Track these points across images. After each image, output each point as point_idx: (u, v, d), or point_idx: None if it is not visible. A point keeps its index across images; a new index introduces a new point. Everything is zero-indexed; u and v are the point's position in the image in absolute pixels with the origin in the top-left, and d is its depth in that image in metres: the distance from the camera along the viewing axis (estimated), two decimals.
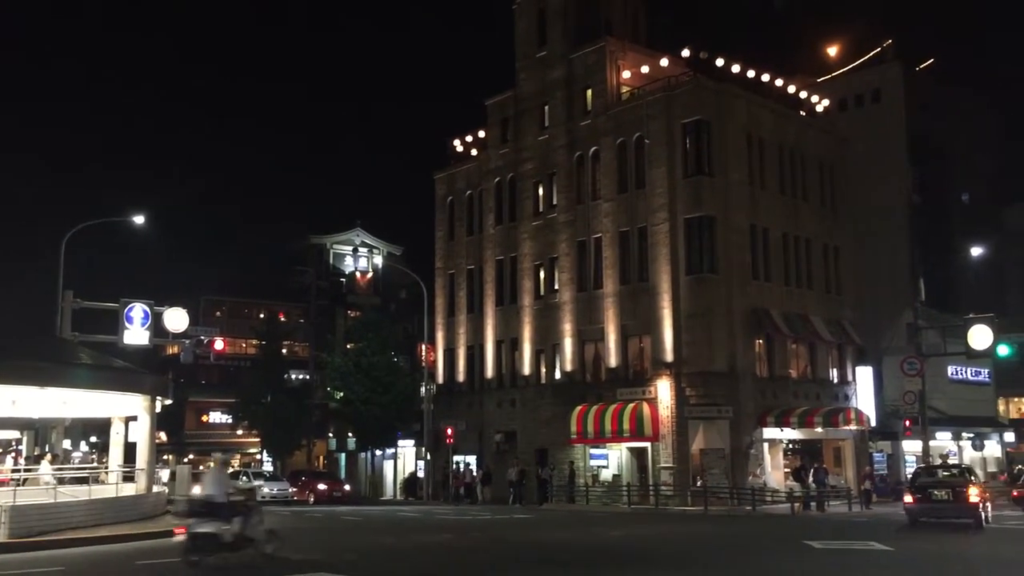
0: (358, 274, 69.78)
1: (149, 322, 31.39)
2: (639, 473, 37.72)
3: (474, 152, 48.17)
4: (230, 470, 41.55)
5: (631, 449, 38.26)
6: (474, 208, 47.35)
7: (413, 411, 48.54)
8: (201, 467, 62.00)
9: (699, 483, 34.33)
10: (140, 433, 27.04)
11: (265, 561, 14.89)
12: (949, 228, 56.92)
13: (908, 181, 56.79)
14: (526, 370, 42.86)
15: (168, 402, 28.67)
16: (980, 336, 32.37)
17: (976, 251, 47.95)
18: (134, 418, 28.00)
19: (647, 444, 36.71)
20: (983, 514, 23.09)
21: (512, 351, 43.98)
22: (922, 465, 33.42)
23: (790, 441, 38.83)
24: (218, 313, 67.80)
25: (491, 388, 44.69)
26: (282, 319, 66.11)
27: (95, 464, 39.05)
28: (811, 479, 34.08)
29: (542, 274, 43.05)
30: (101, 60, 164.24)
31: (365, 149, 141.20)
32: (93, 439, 64.07)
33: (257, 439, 59.70)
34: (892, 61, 60.47)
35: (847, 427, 37.89)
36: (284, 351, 60.70)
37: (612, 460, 39.45)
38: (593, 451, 39.31)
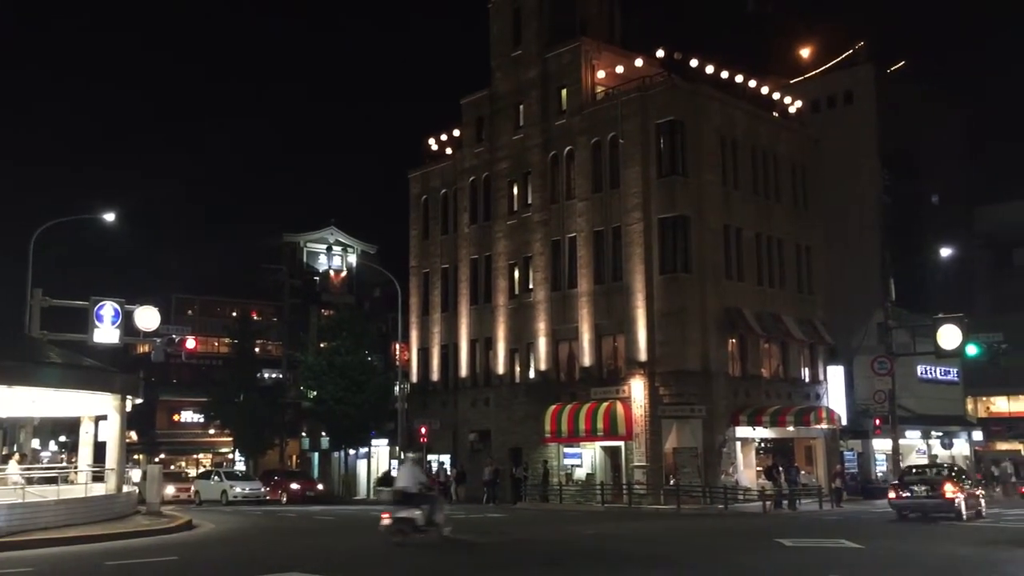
0: (332, 273, 69.50)
1: (119, 320, 31.07)
2: (613, 472, 37.85)
3: (449, 151, 48.10)
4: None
5: (605, 448, 38.39)
6: (449, 207, 47.29)
7: (387, 410, 48.41)
8: (172, 466, 61.56)
9: (672, 482, 34.50)
10: (110, 432, 26.77)
11: (443, 541, 18.04)
12: (919, 229, 57.56)
13: (879, 182, 57.41)
14: (500, 369, 42.87)
15: (138, 401, 28.40)
16: (949, 336, 32.77)
17: (945, 252, 48.53)
18: (104, 417, 27.73)
19: (621, 443, 36.83)
20: (961, 508, 24.79)
21: (486, 350, 43.98)
22: (910, 464, 34.07)
23: (762, 440, 39.12)
24: (190, 311, 67.29)
25: (465, 387, 44.67)
26: (255, 318, 65.66)
27: (64, 464, 38.67)
28: (783, 478, 34.34)
29: (516, 273, 43.07)
30: (71, 57, 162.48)
31: (339, 148, 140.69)
32: (62, 438, 63.43)
33: (229, 438, 59.28)
34: (864, 63, 61.06)
35: (818, 426, 38.21)
36: (257, 350, 60.29)
37: (586, 459, 39.55)
38: (567, 450, 39.39)
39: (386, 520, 18.04)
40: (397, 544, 17.36)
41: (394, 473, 46.79)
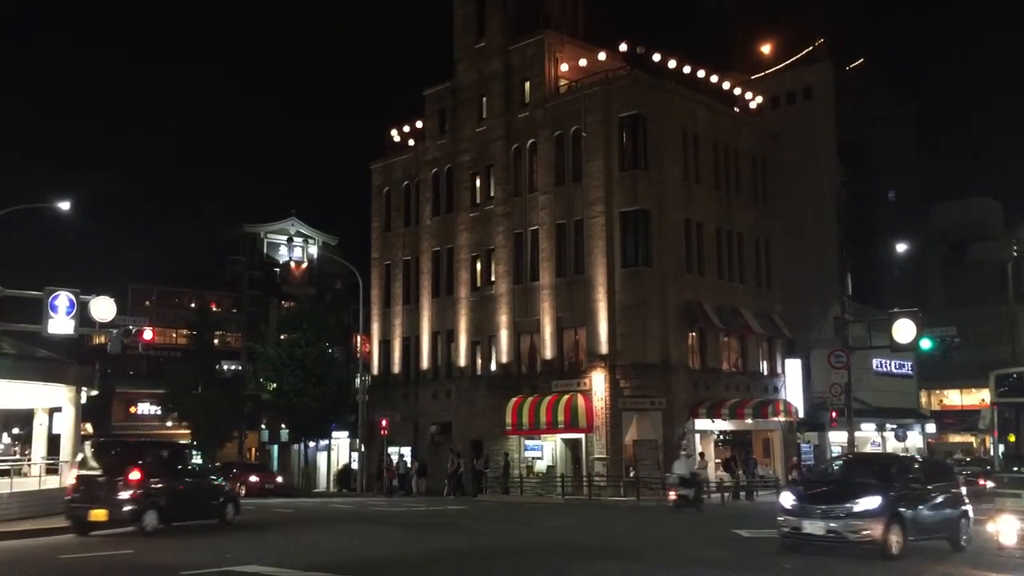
0: (293, 264, 68.96)
1: (75, 311, 30.48)
2: (573, 464, 38.01)
3: (411, 142, 47.88)
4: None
5: (565, 440, 38.53)
6: (411, 199, 47.11)
7: (348, 402, 48.16)
8: None
9: (632, 474, 34.74)
10: (64, 424, 26.38)
11: (701, 515, 25.32)
12: (876, 224, 58.48)
13: (837, 178, 58.14)
14: (462, 362, 42.84)
15: (94, 393, 28.00)
16: (904, 330, 33.19)
17: (901, 247, 49.32)
18: (58, 409, 27.31)
19: (581, 435, 37.00)
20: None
21: (448, 342, 43.92)
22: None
23: (721, 432, 39.49)
24: (147, 302, 66.38)
25: (427, 379, 44.58)
26: (214, 309, 64.86)
27: (18, 456, 38.03)
28: (741, 470, 34.72)
29: (478, 266, 43.04)
30: (21, 45, 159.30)
31: (300, 139, 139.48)
32: (16, 431, 62.24)
33: (187, 431, 58.57)
34: (823, 60, 61.83)
35: (776, 418, 38.66)
36: (216, 341, 59.58)
37: (547, 451, 39.68)
38: (528, 442, 39.49)
39: (672, 496, 27.57)
40: (677, 515, 25.21)
41: (354, 465, 47.17)
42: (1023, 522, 13.11)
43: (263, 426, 57.78)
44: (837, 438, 44.14)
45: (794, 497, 15.71)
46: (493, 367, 41.41)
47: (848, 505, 14.71)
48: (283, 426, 52.66)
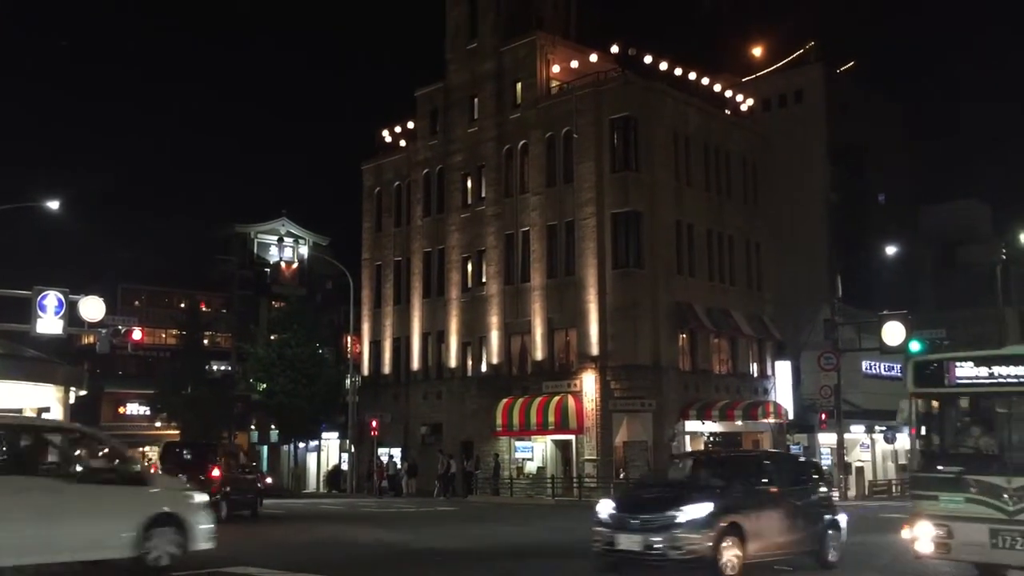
0: (283, 264, 68.82)
1: (63, 311, 30.34)
2: (563, 465, 38.04)
3: (403, 143, 47.85)
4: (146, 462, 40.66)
5: (556, 442, 38.55)
6: (402, 199, 47.08)
7: (338, 403, 48.06)
8: None
9: (622, 475, 34.77)
10: None
11: None
12: (866, 227, 58.68)
13: (827, 180, 58.37)
14: (452, 362, 42.82)
15: (82, 393, 27.85)
16: (893, 332, 33.36)
17: (891, 250, 49.46)
18: (47, 409, 27.16)
19: (572, 437, 37.03)
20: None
21: (438, 343, 43.89)
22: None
23: (711, 434, 39.57)
24: (137, 302, 66.09)
25: (417, 380, 44.54)
26: (204, 309, 64.64)
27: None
28: None
29: (469, 267, 43.03)
30: (13, 41, 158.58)
31: (291, 139, 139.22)
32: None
33: (176, 431, 58.42)
34: (814, 63, 62.01)
35: (766, 420, 38.76)
36: (205, 341, 59.41)
37: (537, 452, 39.69)
38: (518, 443, 39.49)
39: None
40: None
41: (344, 466, 47.08)
42: (941, 528, 11.30)
43: (252, 426, 57.64)
44: (827, 440, 44.23)
45: (612, 505, 12.79)
46: (484, 368, 41.40)
47: (671, 514, 11.94)
48: (273, 426, 52.53)
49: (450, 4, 45.03)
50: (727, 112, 43.13)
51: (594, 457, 35.96)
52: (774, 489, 13.45)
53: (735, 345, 41.13)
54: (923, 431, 12.26)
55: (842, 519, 14.40)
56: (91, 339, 42.81)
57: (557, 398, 36.88)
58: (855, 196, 59.69)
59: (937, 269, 65.19)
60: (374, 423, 43.36)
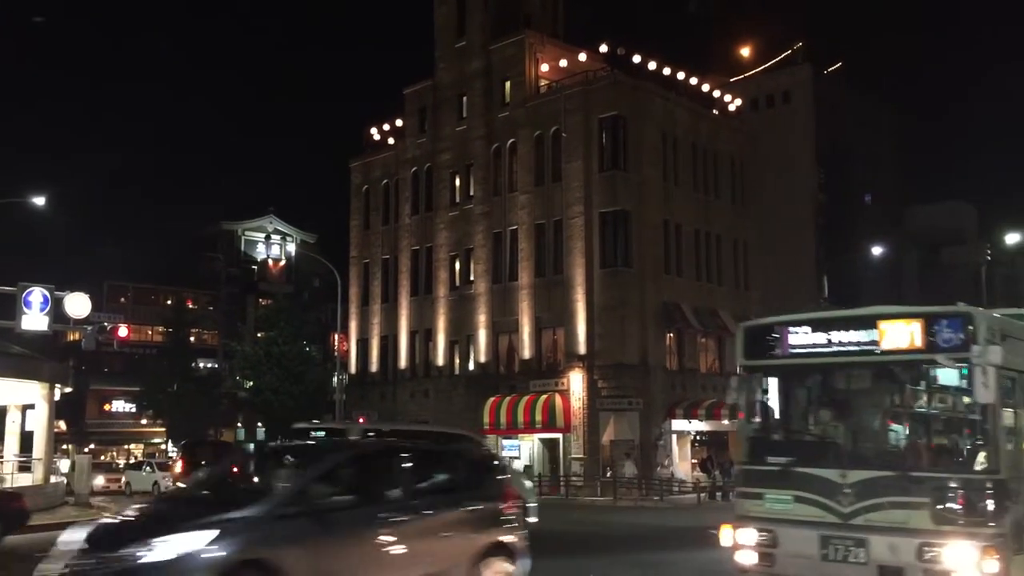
0: (270, 261, 68.63)
1: (49, 307, 30.21)
2: (550, 464, 38.09)
3: (391, 141, 47.80)
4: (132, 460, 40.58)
5: (543, 440, 38.61)
6: (390, 197, 47.03)
7: (325, 401, 47.96)
8: (103, 456, 60.27)
9: (609, 474, 34.84)
10: (38, 422, 26.17)
11: None
12: (852, 227, 58.95)
13: (814, 180, 58.60)
14: (440, 361, 42.81)
15: (68, 390, 27.82)
16: None
17: (877, 250, 49.70)
18: (32, 406, 27.08)
19: (559, 435, 37.09)
20: None
21: (426, 342, 43.88)
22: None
23: (697, 433, 39.69)
24: (123, 299, 65.83)
25: (404, 379, 44.52)
26: (190, 306, 64.52)
27: None
28: (717, 470, 34.89)
29: (457, 265, 43.02)
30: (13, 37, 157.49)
31: (279, 136, 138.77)
32: None
33: (162, 429, 58.26)
34: (802, 64, 62.24)
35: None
36: (192, 339, 59.30)
37: (524, 451, 39.70)
38: (505, 442, 39.50)
39: None
40: None
41: None
42: (764, 534, 9.08)
43: (239, 424, 57.48)
44: None
45: (85, 533, 8.31)
46: (471, 366, 41.41)
47: (135, 551, 7.51)
48: (259, 424, 52.40)
49: (438, 2, 44.99)
50: (715, 112, 43.25)
51: (581, 456, 36.02)
52: (389, 499, 8.97)
53: (722, 344, 41.20)
54: (753, 414, 9.91)
55: (512, 539, 9.80)
56: (77, 336, 42.68)
57: (544, 397, 36.93)
58: (842, 196, 59.94)
59: (923, 269, 65.54)
60: (361, 421, 43.30)
